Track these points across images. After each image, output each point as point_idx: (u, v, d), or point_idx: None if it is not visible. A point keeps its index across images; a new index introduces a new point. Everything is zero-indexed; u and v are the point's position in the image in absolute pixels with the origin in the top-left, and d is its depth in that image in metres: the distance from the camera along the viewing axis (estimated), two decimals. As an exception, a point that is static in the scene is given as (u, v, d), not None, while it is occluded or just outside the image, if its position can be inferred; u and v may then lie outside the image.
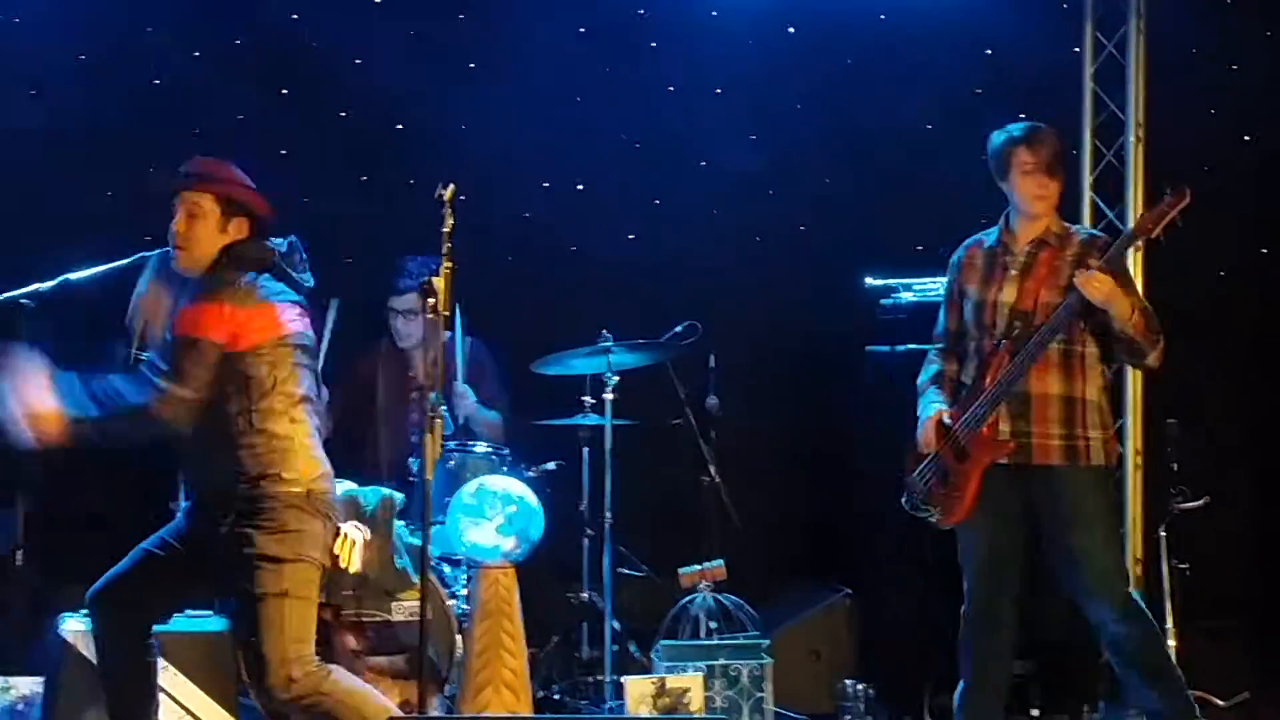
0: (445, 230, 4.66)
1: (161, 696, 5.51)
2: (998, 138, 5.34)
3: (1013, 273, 5.25)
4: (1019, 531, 5.25)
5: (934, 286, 6.70)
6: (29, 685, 5.74)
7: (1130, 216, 6.98)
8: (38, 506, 6.12)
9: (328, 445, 6.53)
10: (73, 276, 5.72)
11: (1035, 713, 5.94)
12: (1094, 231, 5.42)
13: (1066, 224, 5.35)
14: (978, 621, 5.28)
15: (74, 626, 5.58)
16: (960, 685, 5.32)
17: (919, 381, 5.47)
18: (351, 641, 5.72)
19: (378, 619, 5.75)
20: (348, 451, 6.62)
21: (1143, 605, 5.22)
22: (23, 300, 5.55)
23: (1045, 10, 7.40)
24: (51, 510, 6.40)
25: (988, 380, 5.20)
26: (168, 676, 5.53)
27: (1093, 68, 7.31)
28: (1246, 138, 7.09)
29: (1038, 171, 5.23)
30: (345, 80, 7.22)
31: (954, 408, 5.30)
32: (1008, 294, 5.23)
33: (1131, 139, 7.28)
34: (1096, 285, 5.01)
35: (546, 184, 7.48)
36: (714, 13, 7.42)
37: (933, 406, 5.35)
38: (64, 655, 5.54)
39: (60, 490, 6.64)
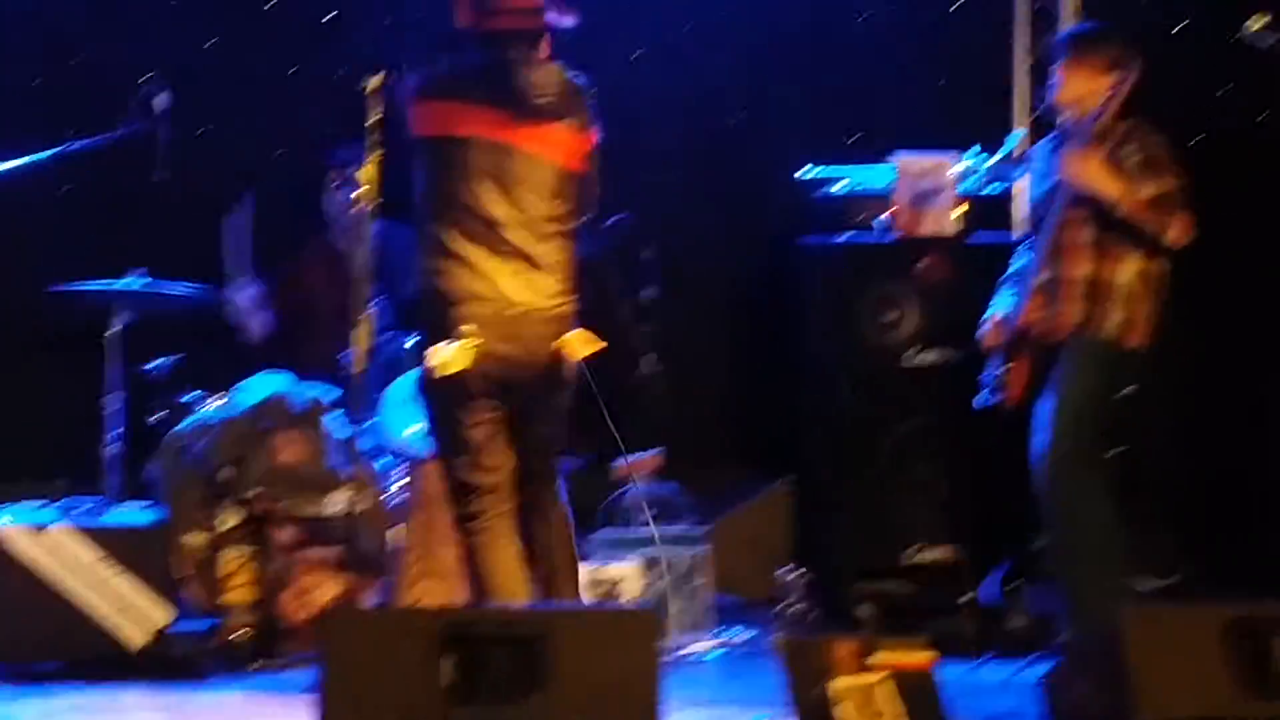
0: (372, 122, 4.60)
1: (101, 590, 5.55)
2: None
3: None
4: None
5: (871, 176, 6.69)
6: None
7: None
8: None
9: (270, 343, 6.57)
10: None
11: (967, 596, 6.00)
12: (1136, 123, 5.42)
13: (1132, 120, 5.37)
14: None
15: (3, 521, 5.56)
16: None
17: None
18: (286, 536, 5.74)
19: (310, 514, 5.77)
20: (288, 349, 6.61)
21: (1072, 503, 5.34)
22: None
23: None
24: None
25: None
26: (106, 570, 5.55)
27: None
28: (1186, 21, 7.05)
29: (1054, 65, 5.44)
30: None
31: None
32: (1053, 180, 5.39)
33: (1065, 24, 7.20)
34: (1067, 164, 5.21)
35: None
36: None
37: (994, 306, 5.57)
38: (-6, 553, 5.57)
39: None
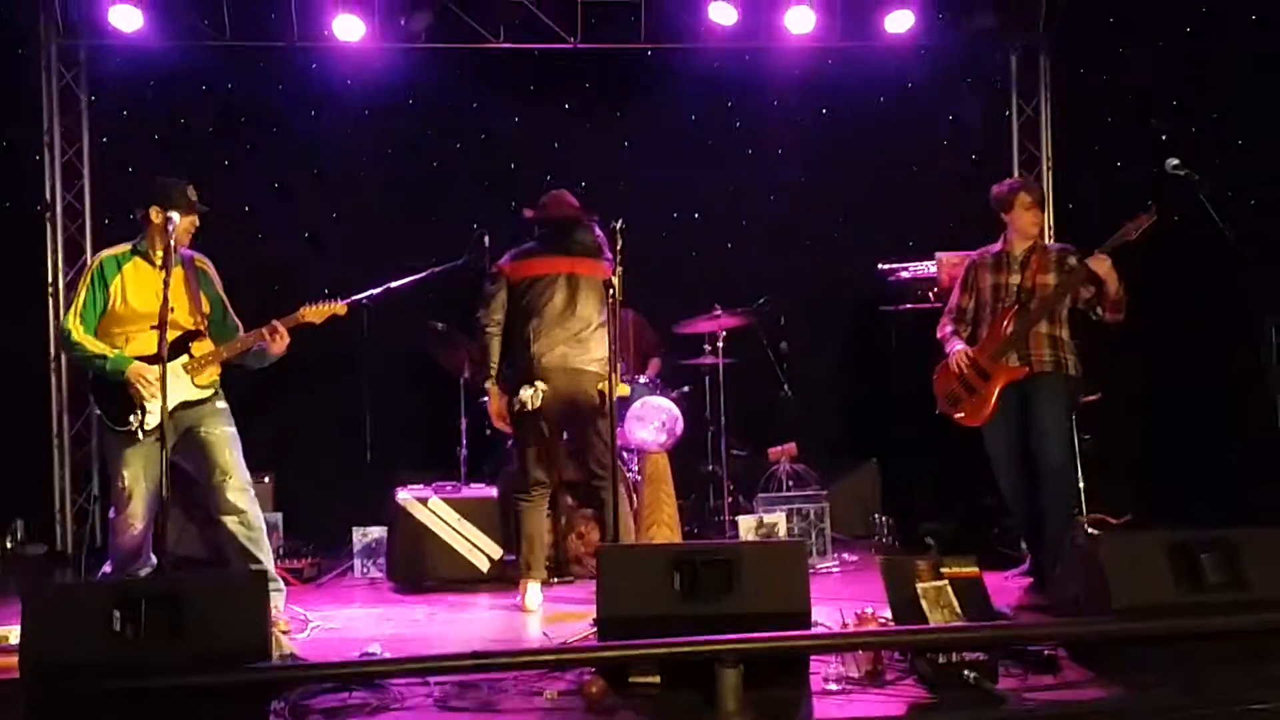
0: (618, 248, 4.73)
1: (461, 536, 5.67)
2: (1002, 187, 5.23)
3: (1015, 267, 5.12)
4: (1018, 425, 5.09)
5: (923, 267, 6.62)
6: (379, 532, 5.91)
7: (1046, 225, 6.89)
8: (376, 412, 6.24)
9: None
10: (394, 284, 5.84)
11: (995, 531, 5.90)
12: (1061, 244, 5.25)
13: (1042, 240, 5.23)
14: (1009, 494, 5.20)
15: (404, 495, 5.70)
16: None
17: (940, 335, 5.32)
18: (570, 499, 5.79)
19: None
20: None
21: (1068, 470, 5.11)
22: (364, 301, 5.75)
23: (985, 89, 7.36)
24: (383, 415, 6.46)
25: (1004, 327, 5.07)
26: (464, 524, 5.67)
27: (1019, 121, 7.23)
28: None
29: (1035, 207, 5.16)
30: (499, 132, 7.18)
31: (974, 347, 5.18)
32: (1014, 278, 5.11)
33: (1044, 169, 7.21)
34: (1103, 264, 4.89)
35: (675, 215, 7.52)
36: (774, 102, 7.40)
37: (960, 344, 5.22)
38: (399, 514, 5.68)
39: (387, 395, 6.65)
